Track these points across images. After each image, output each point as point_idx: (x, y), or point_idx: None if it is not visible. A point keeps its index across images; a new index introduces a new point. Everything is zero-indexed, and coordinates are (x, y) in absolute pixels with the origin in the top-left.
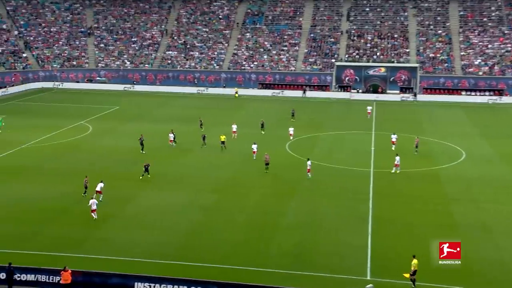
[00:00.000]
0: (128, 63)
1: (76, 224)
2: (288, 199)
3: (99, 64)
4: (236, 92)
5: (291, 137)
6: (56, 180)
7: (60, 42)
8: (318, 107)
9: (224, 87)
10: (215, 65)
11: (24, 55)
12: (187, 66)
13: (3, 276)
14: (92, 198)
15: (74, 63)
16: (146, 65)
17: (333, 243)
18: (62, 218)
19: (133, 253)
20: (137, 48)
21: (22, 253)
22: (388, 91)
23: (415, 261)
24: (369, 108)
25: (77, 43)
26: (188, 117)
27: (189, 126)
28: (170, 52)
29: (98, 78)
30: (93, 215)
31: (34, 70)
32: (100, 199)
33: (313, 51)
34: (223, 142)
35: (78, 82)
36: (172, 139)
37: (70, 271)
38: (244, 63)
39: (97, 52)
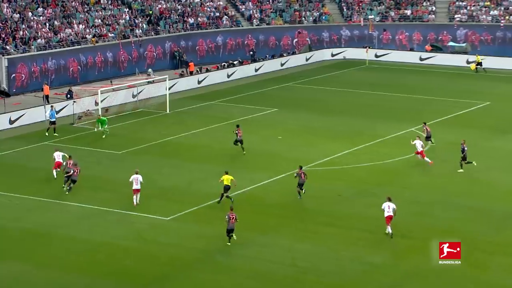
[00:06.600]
0: None
1: None
2: None
3: (455, 16)
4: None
5: None
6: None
7: None
8: None
9: None
10: None
11: None
12: None
13: None
14: (57, 151)
15: (408, 12)
16: None
17: None
18: None
19: None
20: None
21: None
22: None
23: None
24: None
25: None
26: None
27: None
28: None
29: (451, 44)
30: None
31: (333, 25)
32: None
33: None
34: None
35: (411, 50)
36: None
37: None
38: None
39: None
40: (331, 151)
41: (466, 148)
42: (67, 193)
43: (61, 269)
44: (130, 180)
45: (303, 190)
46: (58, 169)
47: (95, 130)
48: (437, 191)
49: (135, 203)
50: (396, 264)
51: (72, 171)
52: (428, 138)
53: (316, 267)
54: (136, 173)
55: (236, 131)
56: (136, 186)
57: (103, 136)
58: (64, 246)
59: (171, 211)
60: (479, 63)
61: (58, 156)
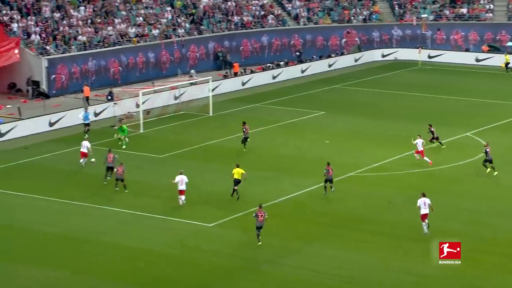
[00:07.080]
0: None
1: None
2: None
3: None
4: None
5: None
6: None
7: None
8: None
9: None
10: None
11: None
12: None
13: None
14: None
15: (464, 11)
16: None
17: None
18: None
19: None
20: None
21: None
22: None
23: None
24: None
25: None
26: None
27: None
28: None
29: (510, 44)
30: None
31: (384, 24)
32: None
33: None
34: None
35: (467, 50)
36: None
37: None
38: None
39: None
40: (381, 156)
41: (488, 150)
42: (116, 188)
43: (99, 276)
44: (176, 181)
45: (333, 188)
46: (85, 159)
47: (115, 136)
48: (492, 199)
49: (180, 202)
50: (448, 276)
51: (115, 169)
52: (436, 139)
53: (364, 277)
54: (181, 174)
55: (244, 128)
56: (181, 187)
57: (123, 146)
58: (102, 253)
59: (214, 217)
60: (507, 63)
61: (84, 146)
